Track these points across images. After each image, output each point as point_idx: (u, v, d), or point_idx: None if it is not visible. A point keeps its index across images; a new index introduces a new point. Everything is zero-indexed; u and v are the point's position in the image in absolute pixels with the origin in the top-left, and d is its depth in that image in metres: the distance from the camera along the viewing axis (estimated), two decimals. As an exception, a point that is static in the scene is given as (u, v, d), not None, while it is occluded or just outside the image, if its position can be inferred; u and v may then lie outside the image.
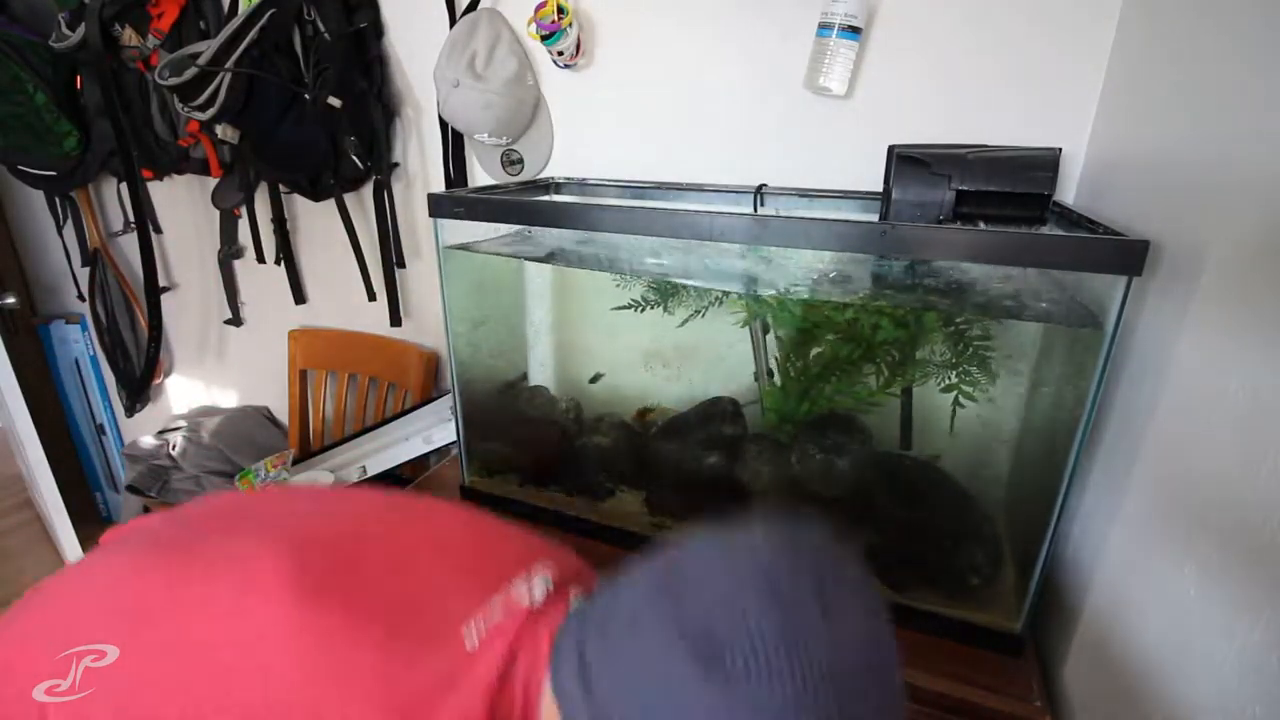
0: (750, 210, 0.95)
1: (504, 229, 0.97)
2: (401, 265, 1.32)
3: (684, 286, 0.94)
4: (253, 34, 1.09)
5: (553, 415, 1.12)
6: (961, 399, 0.81)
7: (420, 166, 1.28)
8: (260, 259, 1.48)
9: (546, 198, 1.07)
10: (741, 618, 0.34)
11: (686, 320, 0.94)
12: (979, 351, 0.79)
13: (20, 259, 1.85)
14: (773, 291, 0.82)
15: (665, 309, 0.96)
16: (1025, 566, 0.74)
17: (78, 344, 1.86)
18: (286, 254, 1.44)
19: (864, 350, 0.84)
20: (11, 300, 1.68)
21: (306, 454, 1.41)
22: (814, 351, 0.89)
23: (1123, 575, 0.62)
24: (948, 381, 0.81)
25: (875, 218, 0.83)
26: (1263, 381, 0.45)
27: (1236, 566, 0.46)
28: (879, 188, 0.81)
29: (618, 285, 0.99)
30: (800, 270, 0.81)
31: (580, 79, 1.09)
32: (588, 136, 1.13)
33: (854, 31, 0.87)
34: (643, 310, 0.96)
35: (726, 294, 0.89)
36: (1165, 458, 0.57)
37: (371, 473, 1.24)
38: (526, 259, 1.08)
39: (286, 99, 1.16)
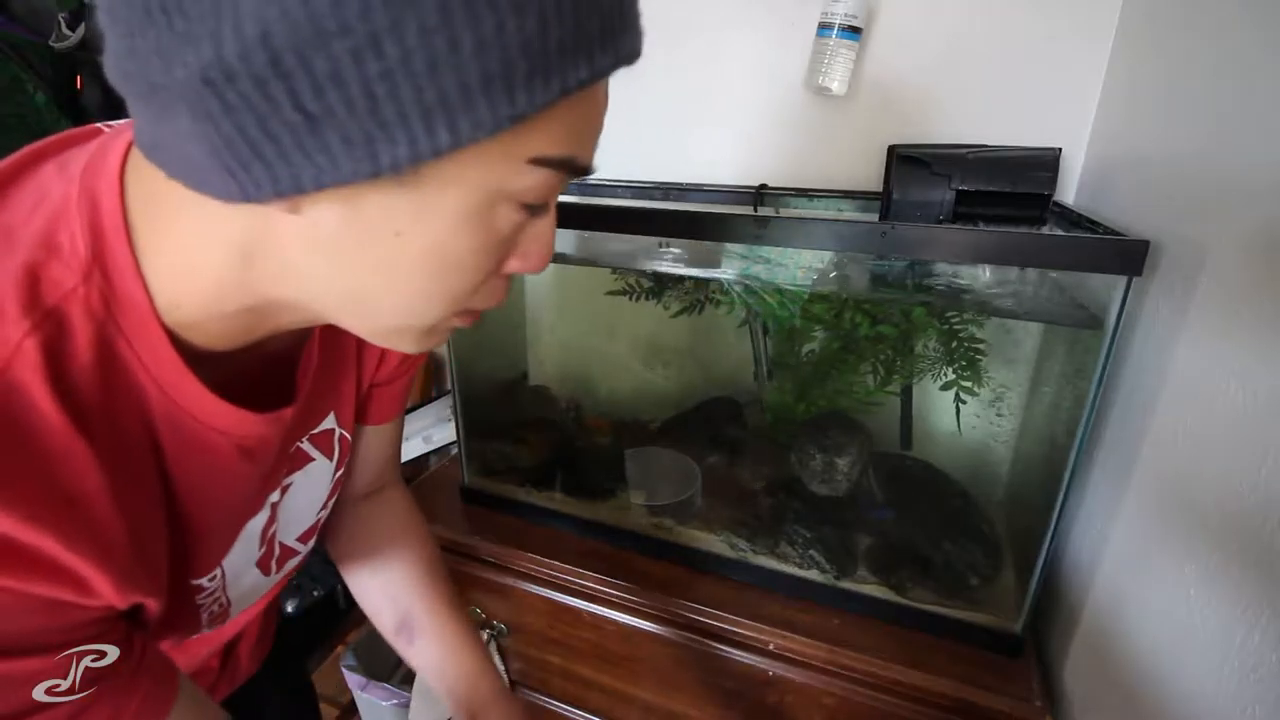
0: (750, 210, 0.95)
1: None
2: (401, 265, 1.32)
3: (679, 280, 0.93)
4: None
5: (553, 415, 1.12)
6: (962, 394, 0.81)
7: (420, 166, 1.27)
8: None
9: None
10: None
11: (680, 312, 0.94)
12: (970, 350, 0.79)
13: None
14: (759, 283, 0.82)
15: (660, 301, 0.96)
16: (1025, 566, 0.74)
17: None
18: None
19: (845, 344, 0.84)
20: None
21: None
22: (806, 348, 0.89)
23: (1123, 575, 0.62)
24: (945, 378, 0.81)
25: (875, 218, 0.83)
26: (1262, 381, 0.45)
27: (1236, 566, 0.46)
28: (879, 188, 0.81)
29: (616, 280, 0.99)
30: (799, 269, 0.81)
31: (580, 79, 1.09)
32: (588, 136, 1.13)
33: (854, 31, 0.87)
34: (636, 298, 0.96)
35: (725, 291, 0.89)
36: (1165, 457, 0.57)
37: (371, 473, 1.24)
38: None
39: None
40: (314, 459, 0.49)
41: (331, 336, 0.46)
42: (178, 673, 0.37)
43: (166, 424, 0.34)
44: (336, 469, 0.52)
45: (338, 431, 0.50)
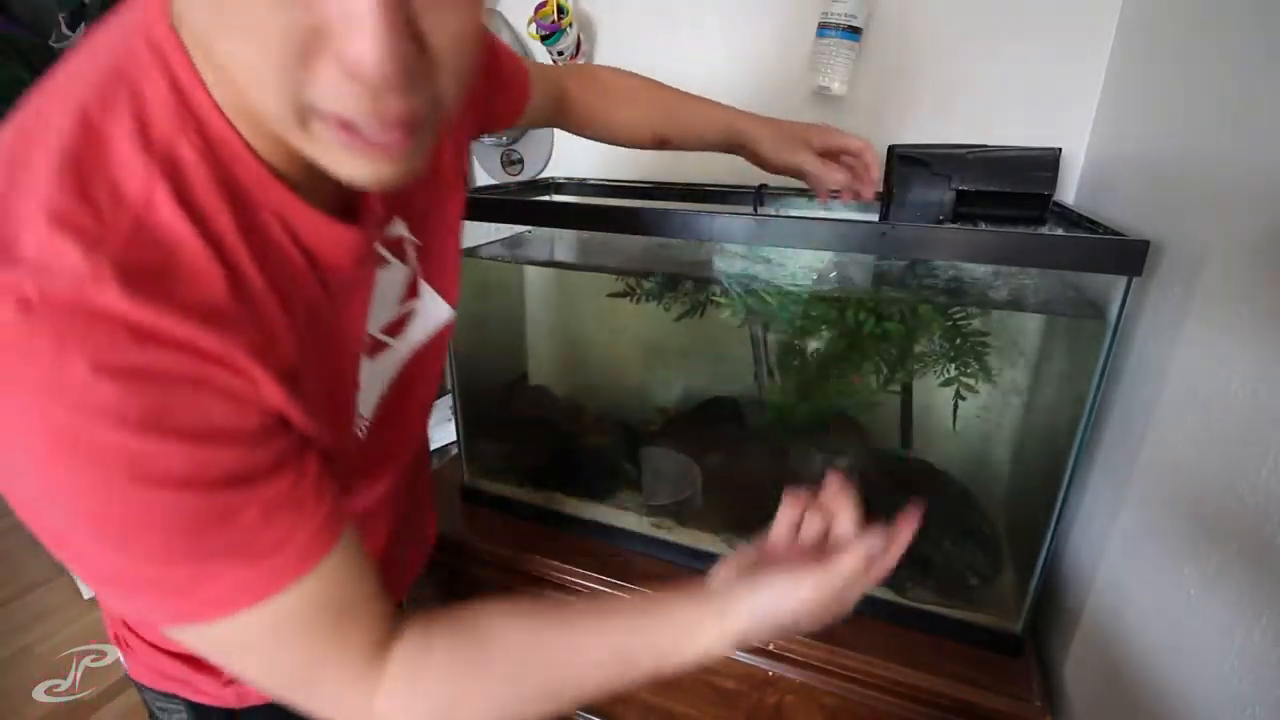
0: (750, 210, 0.95)
1: (504, 229, 0.98)
2: (401, 265, 1.32)
3: (679, 281, 0.93)
4: (253, 34, 1.09)
5: (553, 415, 1.12)
6: (962, 392, 0.81)
7: (420, 166, 1.27)
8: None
9: (546, 198, 1.07)
10: None
11: (682, 315, 0.94)
12: (975, 345, 0.79)
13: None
14: (762, 285, 0.82)
15: (661, 303, 0.96)
16: (1025, 566, 0.74)
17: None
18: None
19: (849, 341, 0.84)
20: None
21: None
22: (810, 347, 0.89)
23: (1123, 575, 0.62)
24: (946, 375, 0.81)
25: (875, 218, 0.83)
26: (1263, 381, 0.45)
27: (1236, 566, 0.46)
28: (878, 188, 0.81)
29: (616, 281, 0.99)
30: (800, 269, 0.81)
31: (580, 79, 1.09)
32: (588, 136, 1.13)
33: (854, 31, 0.87)
34: (637, 299, 0.96)
35: (725, 291, 0.89)
36: (1165, 457, 0.57)
37: (371, 473, 1.24)
38: (526, 263, 1.08)
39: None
40: (389, 261, 0.49)
41: None
42: (346, 519, 0.38)
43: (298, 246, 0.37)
44: (410, 273, 0.52)
45: (406, 238, 0.51)
